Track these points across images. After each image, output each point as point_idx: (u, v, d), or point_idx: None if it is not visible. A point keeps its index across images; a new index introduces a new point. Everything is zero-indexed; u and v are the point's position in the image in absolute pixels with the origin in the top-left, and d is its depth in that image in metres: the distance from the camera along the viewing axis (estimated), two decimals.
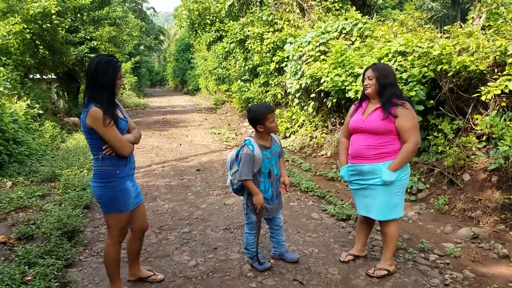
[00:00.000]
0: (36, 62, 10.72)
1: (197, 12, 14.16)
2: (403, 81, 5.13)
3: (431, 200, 4.72)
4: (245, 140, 3.09)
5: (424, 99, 5.03)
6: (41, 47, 10.29)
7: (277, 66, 9.46)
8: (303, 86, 7.70)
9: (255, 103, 11.50)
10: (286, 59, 9.05)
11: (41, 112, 9.26)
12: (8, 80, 8.34)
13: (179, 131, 11.84)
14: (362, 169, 3.07)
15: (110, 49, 13.69)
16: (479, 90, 4.48)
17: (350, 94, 6.15)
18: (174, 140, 10.24)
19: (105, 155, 2.57)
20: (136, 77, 27.24)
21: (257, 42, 10.27)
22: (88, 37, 13.19)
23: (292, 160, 7.27)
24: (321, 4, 9.90)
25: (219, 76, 15.44)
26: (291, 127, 9.12)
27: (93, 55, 12.91)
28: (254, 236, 3.21)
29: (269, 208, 3.16)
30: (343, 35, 7.77)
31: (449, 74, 4.81)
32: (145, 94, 30.75)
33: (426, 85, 5.08)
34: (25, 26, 9.30)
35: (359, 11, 8.83)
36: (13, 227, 3.96)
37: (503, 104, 4.55)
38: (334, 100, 7.02)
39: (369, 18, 8.11)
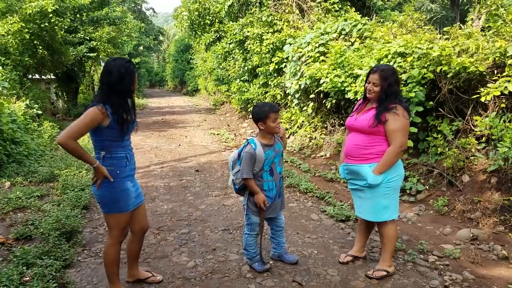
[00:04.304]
0: (35, 62, 10.72)
1: (197, 13, 14.15)
2: (403, 82, 5.13)
3: (430, 201, 4.71)
4: (248, 139, 3.11)
5: (424, 100, 5.02)
6: (40, 47, 10.28)
7: (276, 67, 9.46)
8: (302, 87, 7.70)
9: (255, 104, 11.49)
10: (285, 60, 9.05)
11: (39, 112, 9.26)
12: (7, 80, 8.33)
13: (178, 131, 11.83)
14: (351, 169, 3.10)
15: (109, 50, 13.69)
16: (478, 91, 4.48)
17: (350, 95, 6.15)
18: (173, 140, 10.22)
19: (106, 154, 2.57)
20: None
21: (256, 42, 10.27)
22: (87, 38, 13.18)
23: (291, 161, 7.27)
24: (321, 5, 9.90)
25: (218, 77, 15.43)
26: (290, 128, 9.11)
27: (91, 54, 12.91)
28: (254, 237, 3.20)
29: (272, 206, 3.16)
30: (342, 36, 7.77)
31: (448, 75, 4.81)
32: (144, 94, 30.73)
33: (425, 86, 5.07)
34: (23, 25, 9.30)
35: (358, 12, 8.82)
36: (12, 228, 3.95)
37: (503, 105, 4.55)
38: (333, 101, 7.02)
39: (368, 19, 8.10)
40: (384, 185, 2.97)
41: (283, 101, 10.08)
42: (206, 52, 16.81)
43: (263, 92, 10.81)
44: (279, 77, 9.89)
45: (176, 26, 16.26)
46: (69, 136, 2.40)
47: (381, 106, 2.93)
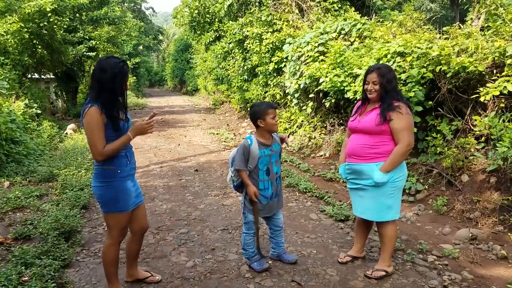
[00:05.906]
0: (35, 62, 10.72)
1: (197, 11, 14.14)
2: (402, 82, 5.12)
3: (429, 201, 4.71)
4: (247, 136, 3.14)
5: (423, 100, 5.02)
6: (39, 46, 10.28)
7: (276, 66, 9.44)
8: (301, 86, 7.69)
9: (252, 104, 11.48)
10: (285, 60, 9.04)
11: (39, 112, 9.25)
12: (6, 80, 8.31)
13: (178, 131, 11.82)
14: (355, 168, 3.09)
15: (108, 49, 13.69)
16: (477, 91, 4.48)
17: (349, 95, 6.15)
18: (173, 140, 10.22)
19: None
20: (135, 77, 27.22)
21: (256, 42, 10.25)
22: (87, 37, 13.18)
23: (291, 160, 7.26)
24: (320, 5, 9.89)
25: (218, 76, 15.41)
26: (290, 128, 9.11)
27: (91, 53, 12.89)
28: (252, 236, 3.21)
29: (268, 205, 3.17)
30: (342, 36, 7.77)
31: (448, 75, 4.81)
32: (143, 94, 30.70)
33: (424, 86, 5.07)
34: (22, 25, 9.29)
35: (358, 12, 8.82)
36: (10, 227, 3.95)
37: (502, 105, 4.55)
38: (333, 101, 7.01)
39: (368, 19, 8.10)
40: (390, 184, 2.97)
41: (282, 100, 10.08)
42: (206, 52, 16.78)
43: (263, 91, 10.80)
44: (278, 77, 9.88)
45: (175, 24, 16.19)
46: (98, 152, 2.50)
47: (384, 103, 2.94)
